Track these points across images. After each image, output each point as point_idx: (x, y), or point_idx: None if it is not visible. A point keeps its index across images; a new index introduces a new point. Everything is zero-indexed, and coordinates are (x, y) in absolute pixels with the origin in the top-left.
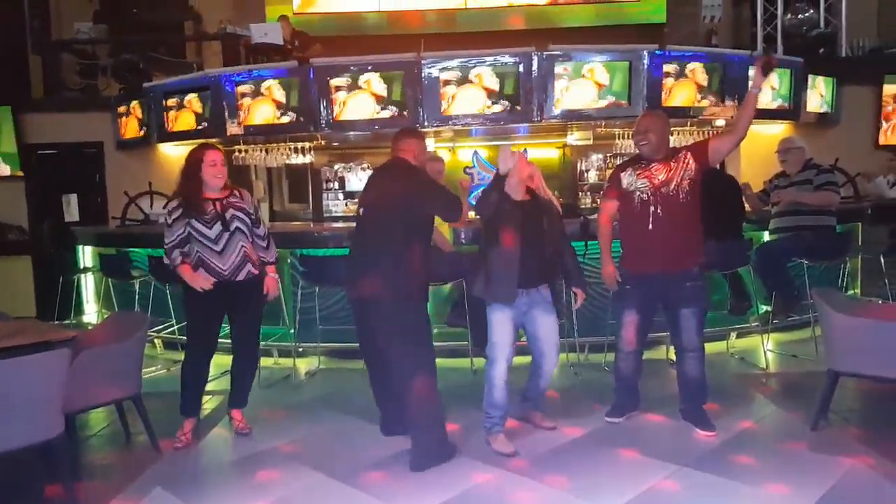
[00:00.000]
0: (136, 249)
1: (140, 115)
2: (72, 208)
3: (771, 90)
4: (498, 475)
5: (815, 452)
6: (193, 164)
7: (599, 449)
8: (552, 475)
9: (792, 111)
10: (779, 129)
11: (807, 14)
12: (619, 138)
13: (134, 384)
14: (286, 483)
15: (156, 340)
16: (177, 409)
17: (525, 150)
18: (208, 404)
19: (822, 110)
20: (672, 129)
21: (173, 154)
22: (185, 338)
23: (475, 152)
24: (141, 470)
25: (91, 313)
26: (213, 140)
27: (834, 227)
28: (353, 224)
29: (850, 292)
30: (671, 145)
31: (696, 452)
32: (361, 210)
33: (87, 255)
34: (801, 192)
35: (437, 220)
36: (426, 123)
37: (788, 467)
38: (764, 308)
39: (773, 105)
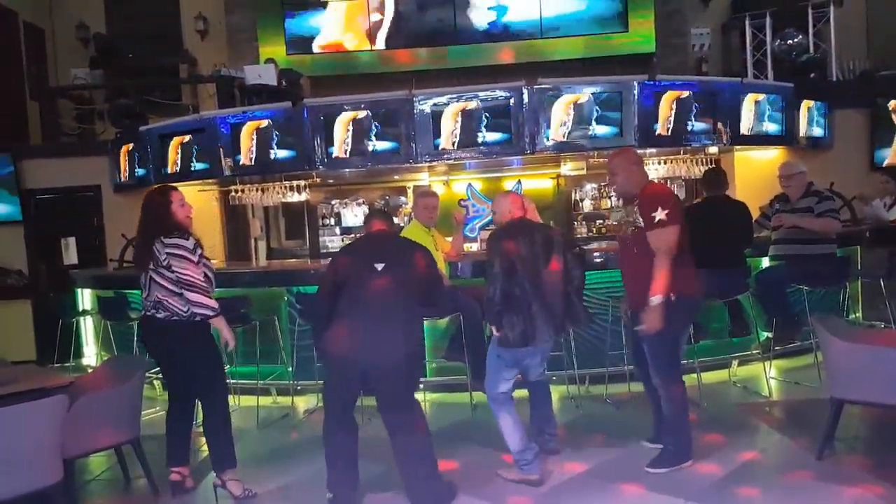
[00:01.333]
0: (134, 291)
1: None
2: (70, 251)
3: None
4: None
5: (821, 482)
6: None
7: (602, 484)
8: None
9: (785, 137)
10: (773, 154)
11: (796, 39)
12: None
13: (132, 428)
14: None
15: (155, 382)
16: None
17: (519, 181)
18: (204, 447)
19: (815, 134)
20: (665, 157)
21: None
22: None
23: (469, 185)
24: None
25: (90, 356)
26: (210, 180)
27: (834, 254)
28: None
29: (852, 316)
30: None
31: (701, 485)
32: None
33: (86, 297)
34: (803, 219)
35: (435, 253)
36: (420, 158)
37: (794, 499)
38: (765, 335)
39: (767, 130)
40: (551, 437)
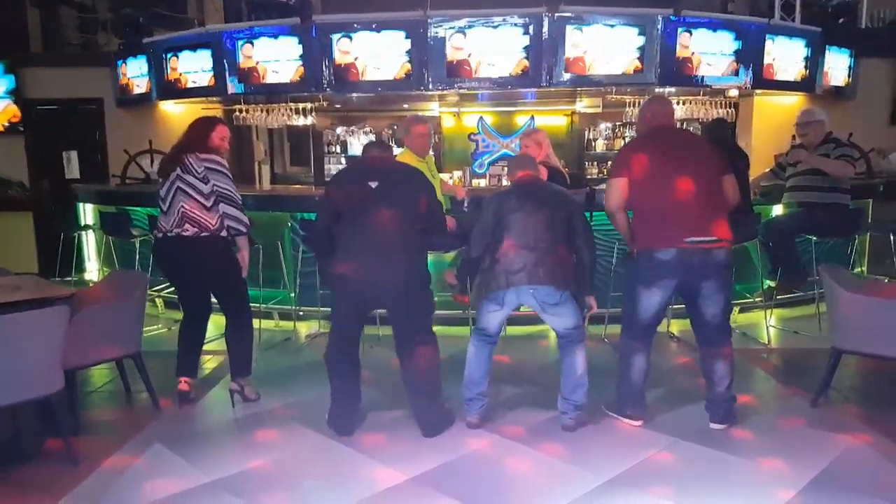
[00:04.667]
0: (137, 208)
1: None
2: (72, 165)
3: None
4: (493, 441)
5: (813, 429)
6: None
7: (597, 419)
8: (548, 443)
9: (807, 83)
10: (792, 101)
11: None
12: (630, 106)
13: (134, 342)
14: (285, 443)
15: (157, 300)
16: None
17: (532, 117)
18: (209, 363)
19: (838, 83)
20: (684, 98)
21: (174, 112)
22: None
23: (480, 118)
24: (140, 427)
25: (93, 271)
26: (214, 98)
27: (847, 205)
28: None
29: (857, 270)
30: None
31: (695, 426)
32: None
33: (87, 212)
34: (818, 157)
35: (439, 187)
36: (431, 86)
37: (785, 443)
38: (768, 283)
39: (789, 76)
40: (569, 410)
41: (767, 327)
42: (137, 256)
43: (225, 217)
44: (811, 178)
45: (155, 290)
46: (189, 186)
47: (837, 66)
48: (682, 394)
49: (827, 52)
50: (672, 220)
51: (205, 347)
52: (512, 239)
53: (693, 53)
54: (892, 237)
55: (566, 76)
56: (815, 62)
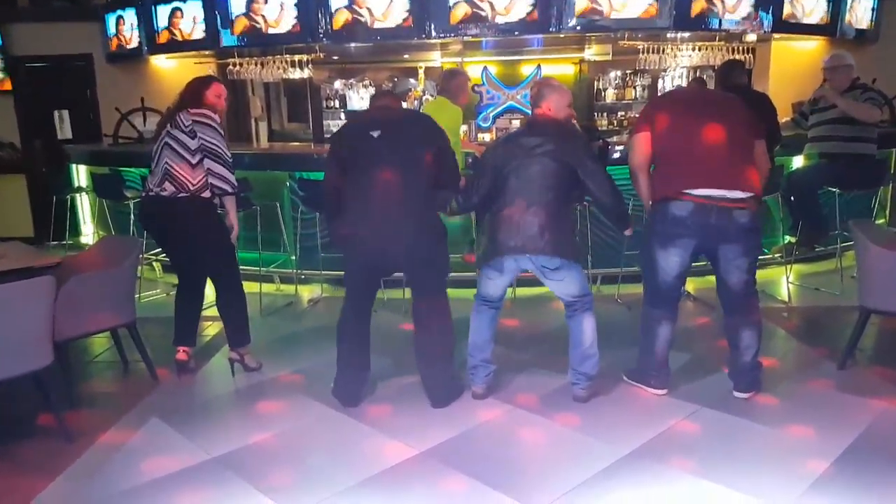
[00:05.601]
0: (130, 169)
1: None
2: (64, 125)
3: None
4: (506, 412)
5: (842, 393)
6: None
7: (614, 387)
8: (563, 413)
9: (829, 26)
10: (812, 46)
11: None
12: (643, 52)
13: (127, 312)
14: (289, 416)
15: (154, 263)
16: None
17: (539, 66)
18: (210, 329)
19: (860, 26)
20: (698, 43)
21: (166, 67)
22: None
23: (485, 68)
24: (137, 399)
25: (88, 234)
26: (207, 52)
27: (873, 155)
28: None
29: (878, 223)
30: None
31: (717, 391)
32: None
33: (81, 174)
34: (845, 99)
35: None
36: (433, 34)
37: (814, 409)
38: (788, 239)
39: (811, 19)
40: (580, 380)
41: (787, 284)
42: (132, 219)
43: (210, 175)
44: (836, 127)
45: (152, 254)
46: (176, 142)
47: (861, 8)
48: (702, 357)
49: None
50: (691, 168)
51: (204, 313)
52: (513, 195)
53: None
54: None
55: (576, 21)
56: (838, 3)
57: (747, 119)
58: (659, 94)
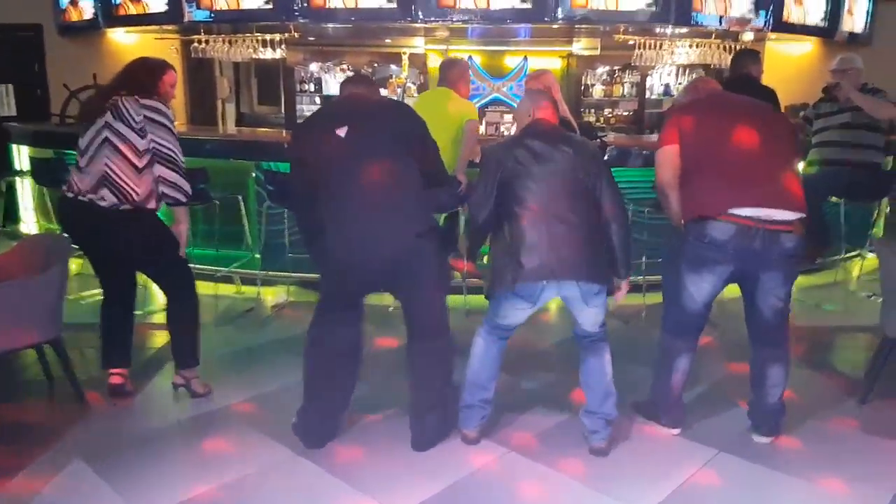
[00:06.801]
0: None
1: None
2: (8, 101)
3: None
4: (500, 457)
5: (870, 435)
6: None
7: (620, 423)
8: (566, 459)
9: (828, 27)
10: (807, 49)
11: None
12: (638, 48)
13: (51, 326)
14: (239, 459)
15: None
16: None
17: (525, 58)
18: (157, 339)
19: (855, 29)
20: (695, 40)
21: (124, 42)
22: None
23: (469, 58)
24: (60, 433)
25: (29, 222)
26: (170, 27)
27: (880, 163)
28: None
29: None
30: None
31: (733, 430)
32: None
33: (23, 155)
34: (862, 95)
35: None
36: (420, 18)
37: (842, 454)
38: None
39: (810, 19)
40: (599, 427)
41: None
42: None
43: (161, 182)
44: (844, 132)
45: None
46: (120, 139)
47: (857, 10)
48: (712, 385)
49: None
50: (733, 183)
51: (153, 320)
52: (533, 207)
53: None
54: None
55: (571, 11)
56: (836, 4)
57: (788, 129)
58: (647, 92)
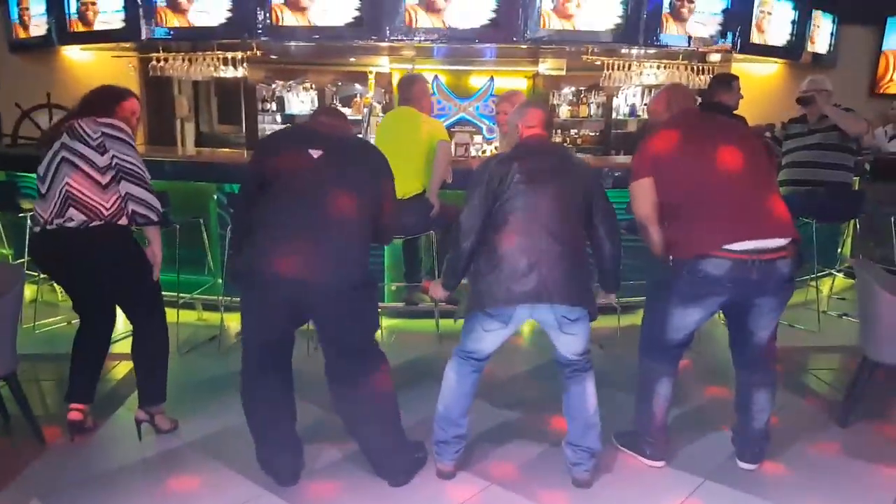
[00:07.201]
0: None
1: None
2: None
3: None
4: (480, 490)
5: (853, 459)
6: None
7: (604, 451)
8: (549, 490)
9: (793, 49)
10: (771, 71)
11: None
12: (607, 69)
13: (5, 361)
14: (206, 497)
15: (56, 286)
16: None
17: (491, 78)
18: (118, 370)
19: (819, 50)
20: (663, 61)
21: (79, 60)
22: None
23: (436, 77)
24: (15, 471)
25: None
26: (127, 45)
27: (850, 184)
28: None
29: (839, 250)
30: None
31: (717, 456)
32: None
33: None
34: (836, 109)
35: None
36: (388, 36)
37: (828, 481)
38: None
39: (776, 41)
40: (582, 460)
41: None
42: (28, 235)
43: (130, 200)
44: (815, 152)
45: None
46: (77, 157)
47: (821, 32)
48: (693, 409)
49: (812, 15)
50: (722, 217)
51: (115, 349)
52: (520, 227)
53: (681, 10)
54: (893, 220)
55: (540, 32)
56: (802, 26)
57: (764, 148)
58: (614, 112)
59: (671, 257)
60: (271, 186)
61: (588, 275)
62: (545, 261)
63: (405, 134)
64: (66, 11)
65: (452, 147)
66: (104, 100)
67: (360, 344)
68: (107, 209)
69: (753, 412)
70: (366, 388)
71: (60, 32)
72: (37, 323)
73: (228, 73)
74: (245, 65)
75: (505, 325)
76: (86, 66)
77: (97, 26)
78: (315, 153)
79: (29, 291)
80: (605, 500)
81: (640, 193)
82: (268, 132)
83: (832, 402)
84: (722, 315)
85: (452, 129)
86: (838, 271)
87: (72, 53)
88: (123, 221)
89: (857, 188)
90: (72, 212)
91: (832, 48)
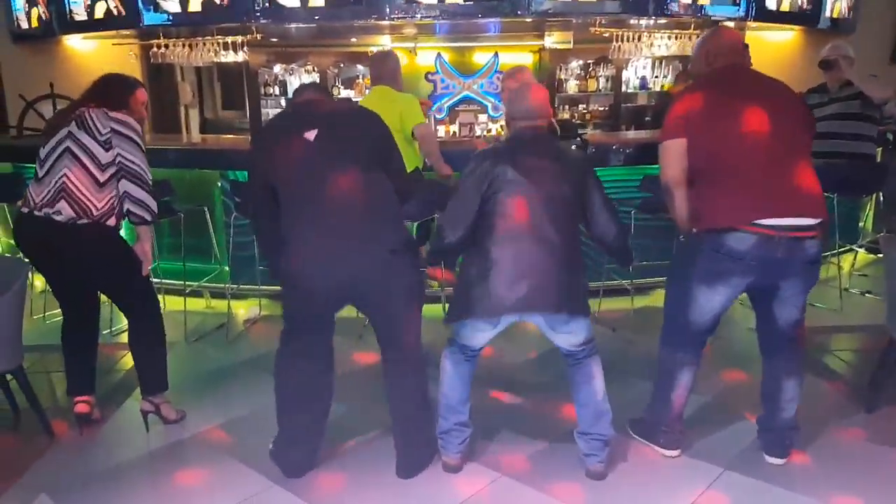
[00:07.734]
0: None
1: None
2: None
3: None
4: (491, 482)
5: (880, 446)
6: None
7: (618, 441)
8: (562, 483)
9: (810, 14)
10: (788, 36)
11: None
12: (615, 41)
13: (12, 355)
14: (213, 492)
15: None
16: None
17: (496, 54)
18: (124, 362)
19: (839, 15)
20: (673, 31)
21: (81, 49)
22: None
23: (438, 55)
24: (24, 465)
25: None
26: (127, 32)
27: (873, 156)
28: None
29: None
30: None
31: (737, 445)
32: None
33: None
34: (865, 79)
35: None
36: (389, 15)
37: (853, 468)
38: None
39: (792, 6)
40: (595, 450)
41: None
42: (14, 216)
43: (127, 199)
44: (836, 122)
45: None
46: (81, 149)
47: None
48: (709, 396)
49: None
50: (753, 188)
51: (120, 339)
52: (511, 233)
53: None
54: None
55: (546, 4)
56: None
57: (807, 115)
58: (623, 86)
59: (693, 230)
60: (280, 184)
61: (582, 278)
62: (535, 270)
63: (386, 119)
64: (67, 2)
65: (457, 127)
66: (117, 91)
67: (407, 330)
68: (97, 209)
69: (782, 402)
70: (407, 376)
71: (62, 22)
72: (47, 314)
73: (229, 57)
74: (245, 49)
75: (494, 326)
76: (87, 55)
77: (97, 15)
78: (310, 135)
79: (39, 282)
80: (621, 493)
81: (669, 155)
82: (271, 116)
83: (856, 385)
84: (744, 297)
85: (457, 109)
86: (860, 247)
87: (73, 43)
88: (112, 222)
89: (879, 160)
90: (62, 205)
91: (851, 13)
